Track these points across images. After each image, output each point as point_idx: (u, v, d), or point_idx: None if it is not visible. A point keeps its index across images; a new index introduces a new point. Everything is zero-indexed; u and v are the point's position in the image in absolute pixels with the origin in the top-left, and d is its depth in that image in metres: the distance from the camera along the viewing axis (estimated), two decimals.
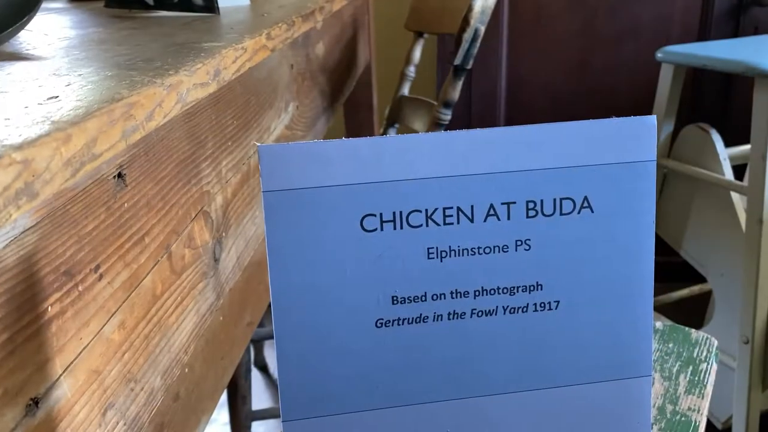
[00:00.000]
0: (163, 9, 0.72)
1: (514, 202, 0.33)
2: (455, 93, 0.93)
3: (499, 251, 0.33)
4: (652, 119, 0.33)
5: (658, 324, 0.71)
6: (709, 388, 0.61)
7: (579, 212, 0.33)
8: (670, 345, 0.69)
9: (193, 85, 0.38)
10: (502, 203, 0.33)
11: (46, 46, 0.52)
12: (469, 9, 0.87)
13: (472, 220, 0.33)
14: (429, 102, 1.16)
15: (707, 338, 0.70)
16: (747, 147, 1.24)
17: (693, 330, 0.68)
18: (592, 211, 0.33)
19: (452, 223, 0.32)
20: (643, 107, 1.70)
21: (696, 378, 0.62)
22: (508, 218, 0.33)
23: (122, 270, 0.34)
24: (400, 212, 0.32)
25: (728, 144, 1.21)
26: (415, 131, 1.21)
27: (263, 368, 1.48)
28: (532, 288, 0.34)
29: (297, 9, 0.73)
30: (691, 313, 1.59)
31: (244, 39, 0.49)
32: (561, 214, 0.33)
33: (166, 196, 0.40)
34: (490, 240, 0.33)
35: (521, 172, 0.33)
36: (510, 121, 1.78)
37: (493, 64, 1.70)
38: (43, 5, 0.94)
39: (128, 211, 0.35)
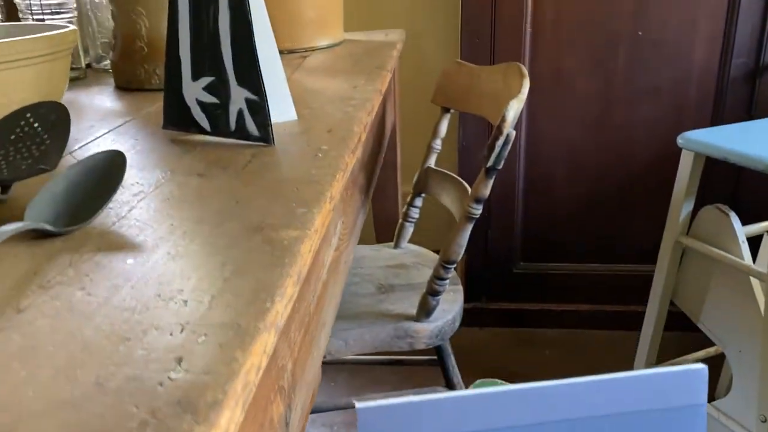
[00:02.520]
0: (220, 136, 0.76)
1: None
2: (486, 191, 0.98)
3: None
4: (704, 370, 0.37)
5: None
6: None
7: None
8: None
9: (284, 306, 0.42)
10: None
11: (126, 210, 0.56)
12: (503, 120, 0.91)
13: None
14: (455, 177, 1.20)
15: None
16: (760, 225, 1.29)
17: None
18: None
19: None
20: (660, 165, 1.74)
21: None
22: None
23: None
24: None
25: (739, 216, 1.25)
26: (442, 204, 1.25)
27: None
28: None
29: (344, 134, 0.77)
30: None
31: (313, 217, 0.53)
32: None
33: (257, 398, 0.44)
34: None
35: (588, 418, 0.37)
36: (529, 174, 1.82)
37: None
38: (95, 96, 0.95)
39: None
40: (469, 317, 1.88)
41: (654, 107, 1.70)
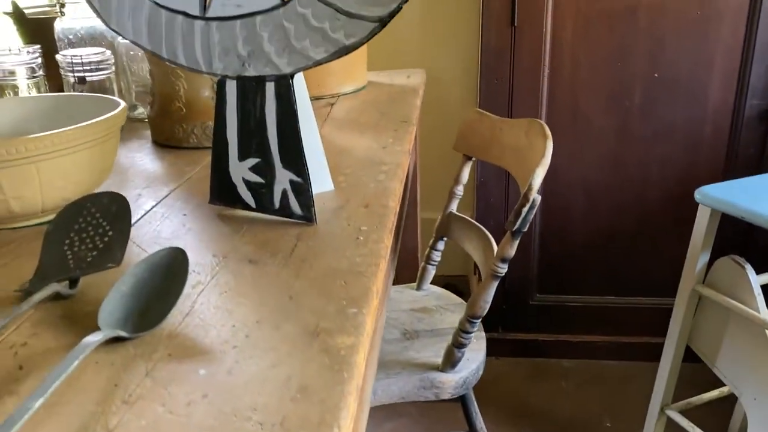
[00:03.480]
0: (265, 213, 0.80)
1: None
2: (512, 251, 1.01)
3: None
4: None
5: None
6: None
7: None
8: None
9: (348, 425, 0.46)
10: None
11: (189, 307, 0.60)
12: (529, 188, 0.95)
13: None
14: (478, 227, 1.24)
15: None
16: None
17: None
18: None
19: None
20: (674, 203, 1.77)
21: None
22: None
23: None
24: None
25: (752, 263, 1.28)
26: (464, 250, 1.29)
27: None
28: None
29: (380, 210, 0.81)
30: (722, 413, 1.65)
31: (365, 320, 0.57)
32: None
33: None
34: None
35: None
36: (546, 208, 1.85)
37: None
38: (135, 154, 0.94)
39: None
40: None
41: (669, 147, 1.74)
